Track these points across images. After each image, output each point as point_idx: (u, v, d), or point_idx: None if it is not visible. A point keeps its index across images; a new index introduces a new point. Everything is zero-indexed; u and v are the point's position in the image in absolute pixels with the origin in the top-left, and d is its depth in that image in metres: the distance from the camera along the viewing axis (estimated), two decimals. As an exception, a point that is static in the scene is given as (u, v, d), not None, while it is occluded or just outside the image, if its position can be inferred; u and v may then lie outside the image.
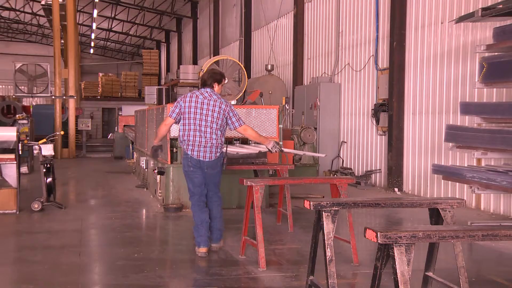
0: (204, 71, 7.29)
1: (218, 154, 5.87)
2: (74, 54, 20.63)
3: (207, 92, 5.93)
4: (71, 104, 19.92)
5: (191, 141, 5.82)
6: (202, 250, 5.87)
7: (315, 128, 12.92)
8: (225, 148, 6.11)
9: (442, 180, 9.32)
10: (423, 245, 4.29)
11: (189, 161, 5.85)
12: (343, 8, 13.82)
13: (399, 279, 3.07)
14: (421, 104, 10.56)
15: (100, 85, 35.58)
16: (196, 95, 5.90)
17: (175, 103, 5.97)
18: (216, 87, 6.02)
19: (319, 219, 4.03)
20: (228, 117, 5.92)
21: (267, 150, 6.38)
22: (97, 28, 36.64)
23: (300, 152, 7.57)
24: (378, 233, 3.10)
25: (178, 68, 27.98)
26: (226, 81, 6.20)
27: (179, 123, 5.96)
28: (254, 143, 8.70)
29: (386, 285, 3.82)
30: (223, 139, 5.95)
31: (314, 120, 13.84)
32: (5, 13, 37.76)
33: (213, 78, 6.00)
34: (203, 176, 5.88)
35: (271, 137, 8.48)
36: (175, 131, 8.60)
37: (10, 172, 8.28)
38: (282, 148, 6.07)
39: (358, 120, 13.05)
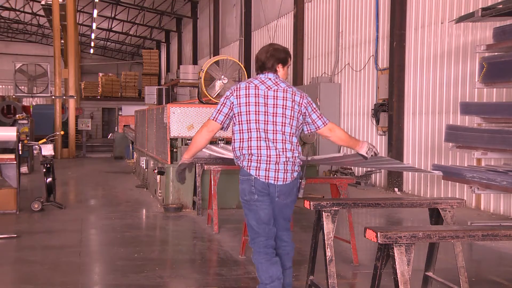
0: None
1: (295, 174, 3.90)
2: (74, 54, 20.64)
3: (270, 79, 3.95)
4: (71, 104, 19.93)
5: (254, 155, 3.83)
6: None
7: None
8: (304, 158, 4.02)
9: (442, 180, 9.32)
10: (423, 245, 4.30)
11: (252, 185, 3.85)
12: (343, 8, 13.82)
13: (399, 279, 3.07)
14: (421, 104, 10.56)
15: (100, 85, 35.59)
16: (255, 85, 3.92)
17: (223, 98, 3.99)
18: (281, 70, 4.04)
19: (319, 219, 4.03)
20: (306, 115, 3.97)
21: (360, 156, 4.14)
22: (97, 28, 36.65)
23: (408, 169, 4.86)
24: (378, 233, 3.11)
25: (178, 68, 28.05)
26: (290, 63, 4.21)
27: (226, 129, 4.02)
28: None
29: (386, 285, 3.82)
30: (300, 149, 3.97)
31: (314, 120, 13.83)
32: (5, 13, 37.77)
33: (275, 57, 4.01)
34: (271, 207, 3.92)
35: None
36: (175, 131, 8.62)
37: (10, 172, 8.27)
38: (377, 152, 4.20)
39: (358, 120, 13.05)
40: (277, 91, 3.91)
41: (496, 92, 8.60)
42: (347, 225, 5.91)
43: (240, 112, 3.89)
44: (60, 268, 5.48)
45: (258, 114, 3.87)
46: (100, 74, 36.49)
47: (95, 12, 31.01)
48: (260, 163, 3.84)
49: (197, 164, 8.11)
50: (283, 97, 3.91)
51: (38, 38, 43.52)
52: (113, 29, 37.92)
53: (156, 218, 8.28)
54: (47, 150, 8.77)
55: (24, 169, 12.84)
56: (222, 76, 9.02)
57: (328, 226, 3.93)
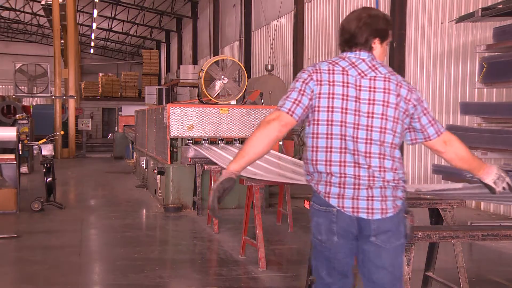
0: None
1: (399, 203, 2.64)
2: (74, 54, 20.64)
3: (363, 61, 2.67)
4: (71, 104, 19.93)
5: (335, 175, 2.60)
6: None
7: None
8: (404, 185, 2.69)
9: (442, 180, 9.31)
10: (423, 245, 4.30)
11: (333, 222, 2.63)
12: (343, 8, 13.82)
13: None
14: (421, 104, 10.56)
15: (100, 85, 35.61)
16: (343, 69, 2.64)
17: (298, 82, 2.65)
18: (378, 48, 2.73)
19: (319, 219, 4.02)
20: (414, 117, 2.70)
21: (484, 187, 2.88)
22: (97, 28, 36.65)
23: None
24: (378, 233, 3.10)
25: (178, 68, 28.04)
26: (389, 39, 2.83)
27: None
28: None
29: (386, 285, 3.82)
30: (403, 167, 2.70)
31: (314, 120, 13.82)
32: (5, 13, 37.77)
33: (371, 28, 2.69)
34: (353, 253, 2.71)
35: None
36: (175, 131, 8.62)
37: (10, 172, 8.27)
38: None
39: (358, 120, 13.04)
40: (375, 80, 2.62)
41: (496, 92, 8.60)
42: (347, 225, 5.90)
43: (319, 107, 2.60)
44: (60, 268, 5.48)
45: (346, 113, 2.58)
46: (100, 74, 36.50)
47: (95, 12, 31.01)
48: (344, 187, 2.58)
49: (197, 164, 8.11)
50: (384, 89, 2.61)
51: (38, 38, 43.52)
52: (113, 29, 37.92)
53: (156, 218, 8.28)
54: (47, 150, 8.77)
55: (24, 169, 12.84)
56: (222, 76, 9.02)
57: (328, 226, 3.92)
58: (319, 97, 2.61)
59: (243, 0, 21.28)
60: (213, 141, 8.74)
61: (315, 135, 2.63)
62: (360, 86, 2.61)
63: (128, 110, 24.39)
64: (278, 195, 7.94)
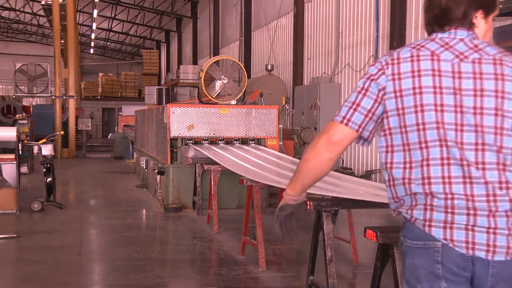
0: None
1: None
2: (74, 54, 20.64)
3: (461, 40, 2.02)
4: (71, 104, 19.94)
5: (438, 197, 1.87)
6: None
7: (315, 128, 12.93)
8: None
9: None
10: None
11: (437, 261, 1.87)
12: (343, 8, 13.82)
13: (399, 279, 3.07)
14: (421, 104, 10.56)
15: (100, 85, 35.62)
16: (432, 53, 1.99)
17: (362, 80, 2.06)
18: (481, 24, 2.13)
19: (319, 219, 4.04)
20: None
21: None
22: (97, 28, 36.66)
23: None
24: (378, 233, 3.11)
25: (178, 68, 28.05)
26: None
27: (370, 141, 2.20)
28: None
29: (386, 285, 3.83)
30: None
31: (314, 120, 13.84)
32: (5, 13, 37.79)
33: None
34: None
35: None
36: (175, 131, 8.62)
37: (10, 172, 8.27)
38: None
39: (358, 120, 13.02)
40: (480, 64, 1.96)
41: (496, 92, 8.59)
42: (347, 225, 5.91)
43: (403, 108, 1.96)
44: (60, 268, 5.48)
45: (442, 111, 1.92)
46: (100, 74, 36.51)
47: (95, 12, 31.02)
48: (453, 213, 1.87)
49: (197, 164, 8.11)
50: (496, 74, 1.94)
51: (38, 38, 43.53)
52: (113, 29, 37.93)
53: (156, 218, 8.28)
54: (47, 150, 8.77)
55: (24, 169, 12.84)
56: (222, 76, 9.02)
57: (328, 226, 3.93)
58: (399, 95, 1.96)
59: (243, 0, 21.29)
60: (213, 141, 8.74)
61: (405, 147, 1.96)
62: (459, 72, 1.94)
63: (128, 110, 24.40)
64: (278, 195, 7.94)
